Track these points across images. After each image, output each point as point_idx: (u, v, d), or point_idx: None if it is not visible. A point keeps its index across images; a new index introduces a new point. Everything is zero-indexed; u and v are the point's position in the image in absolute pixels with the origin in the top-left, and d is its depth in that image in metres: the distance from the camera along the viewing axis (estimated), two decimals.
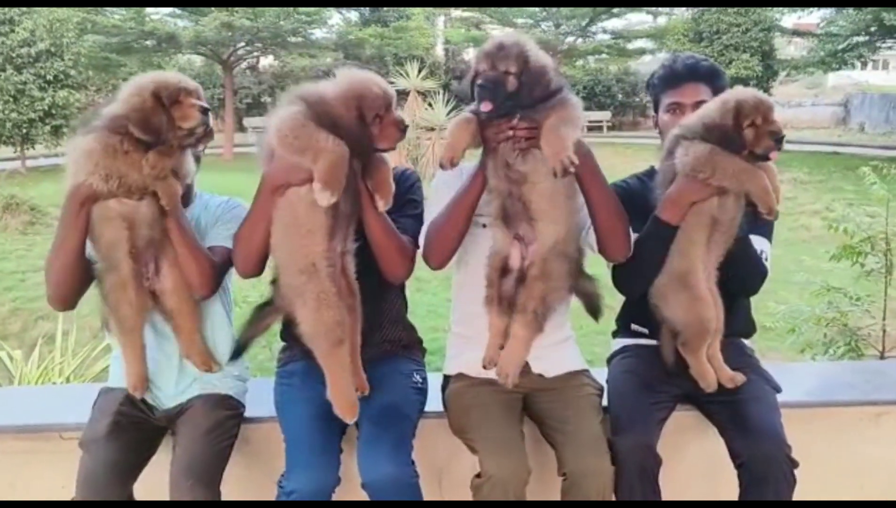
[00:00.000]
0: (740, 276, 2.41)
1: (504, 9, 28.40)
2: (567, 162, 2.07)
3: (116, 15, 23.41)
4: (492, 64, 2.14)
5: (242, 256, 2.30)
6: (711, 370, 2.40)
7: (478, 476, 2.23)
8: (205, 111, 2.20)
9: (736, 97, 2.23)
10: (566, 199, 2.23)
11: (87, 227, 2.19)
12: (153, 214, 2.22)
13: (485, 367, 2.35)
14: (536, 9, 29.15)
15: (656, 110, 2.58)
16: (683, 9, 27.85)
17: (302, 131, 2.05)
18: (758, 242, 2.44)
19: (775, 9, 24.08)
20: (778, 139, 2.18)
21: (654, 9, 30.13)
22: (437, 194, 2.42)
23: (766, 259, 2.47)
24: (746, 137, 2.19)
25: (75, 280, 2.25)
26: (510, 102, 2.13)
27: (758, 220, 2.31)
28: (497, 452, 2.22)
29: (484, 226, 2.36)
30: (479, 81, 2.15)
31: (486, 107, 2.13)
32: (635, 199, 2.41)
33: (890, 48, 24.25)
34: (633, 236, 2.36)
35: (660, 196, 2.34)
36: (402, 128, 2.15)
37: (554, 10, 28.54)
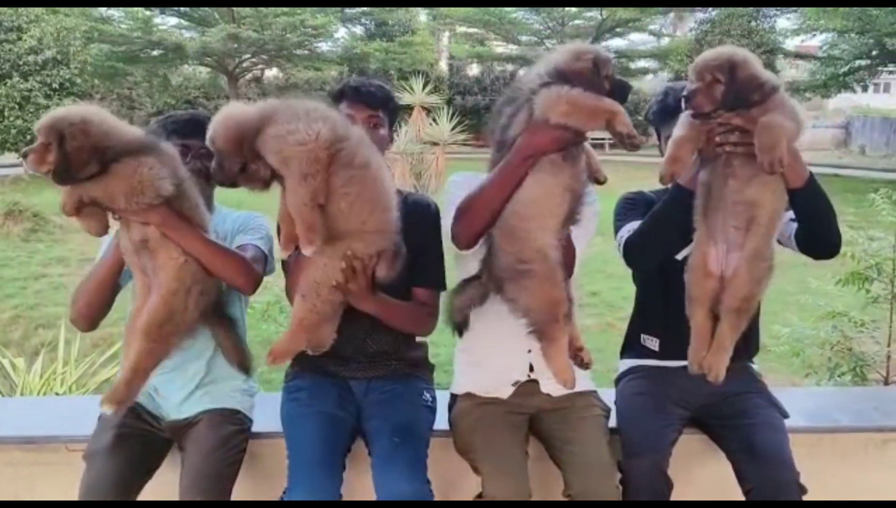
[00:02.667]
0: (808, 231, 2.30)
1: (509, 26, 28.59)
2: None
3: (123, 24, 23.60)
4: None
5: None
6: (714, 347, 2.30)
7: (479, 495, 2.24)
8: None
9: None
10: None
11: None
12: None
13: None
14: (540, 27, 29.35)
15: (659, 138, 2.55)
16: (686, 30, 28.05)
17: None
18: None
19: (778, 32, 24.27)
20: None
21: (657, 28, 30.38)
22: (460, 190, 2.35)
23: None
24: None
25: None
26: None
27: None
28: (499, 474, 2.22)
29: None
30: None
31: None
32: (650, 204, 2.46)
33: (891, 72, 24.39)
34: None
35: None
36: None
37: (559, 28, 28.74)
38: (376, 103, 2.42)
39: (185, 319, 2.17)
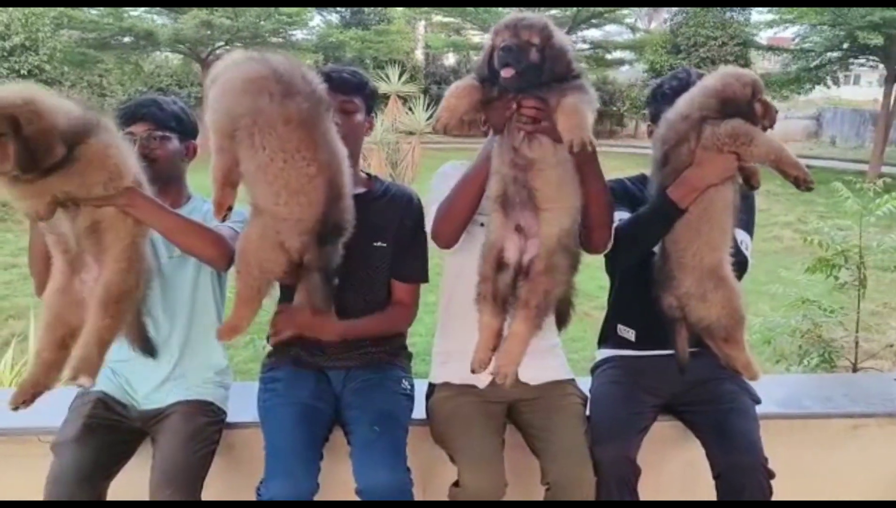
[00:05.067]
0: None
1: (485, 15, 28.48)
2: (587, 139, 1.97)
3: (93, 11, 23.09)
4: (514, 33, 2.03)
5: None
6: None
7: (455, 484, 2.25)
8: None
9: (750, 75, 2.26)
10: (574, 189, 2.14)
11: None
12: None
13: (474, 371, 2.22)
14: None
15: (654, 121, 2.51)
16: (661, 21, 28.17)
17: None
18: (738, 233, 2.42)
19: (752, 25, 24.47)
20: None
21: (632, 21, 30.46)
22: (443, 184, 2.37)
23: (747, 248, 2.47)
24: (757, 112, 2.23)
25: None
26: (532, 74, 2.02)
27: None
28: (475, 464, 2.23)
29: (482, 225, 2.28)
30: (502, 45, 2.01)
31: (507, 73, 2.00)
32: (630, 194, 2.49)
33: (862, 64, 24.72)
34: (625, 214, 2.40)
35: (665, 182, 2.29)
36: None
37: None
38: (349, 89, 2.38)
39: (136, 296, 2.14)
